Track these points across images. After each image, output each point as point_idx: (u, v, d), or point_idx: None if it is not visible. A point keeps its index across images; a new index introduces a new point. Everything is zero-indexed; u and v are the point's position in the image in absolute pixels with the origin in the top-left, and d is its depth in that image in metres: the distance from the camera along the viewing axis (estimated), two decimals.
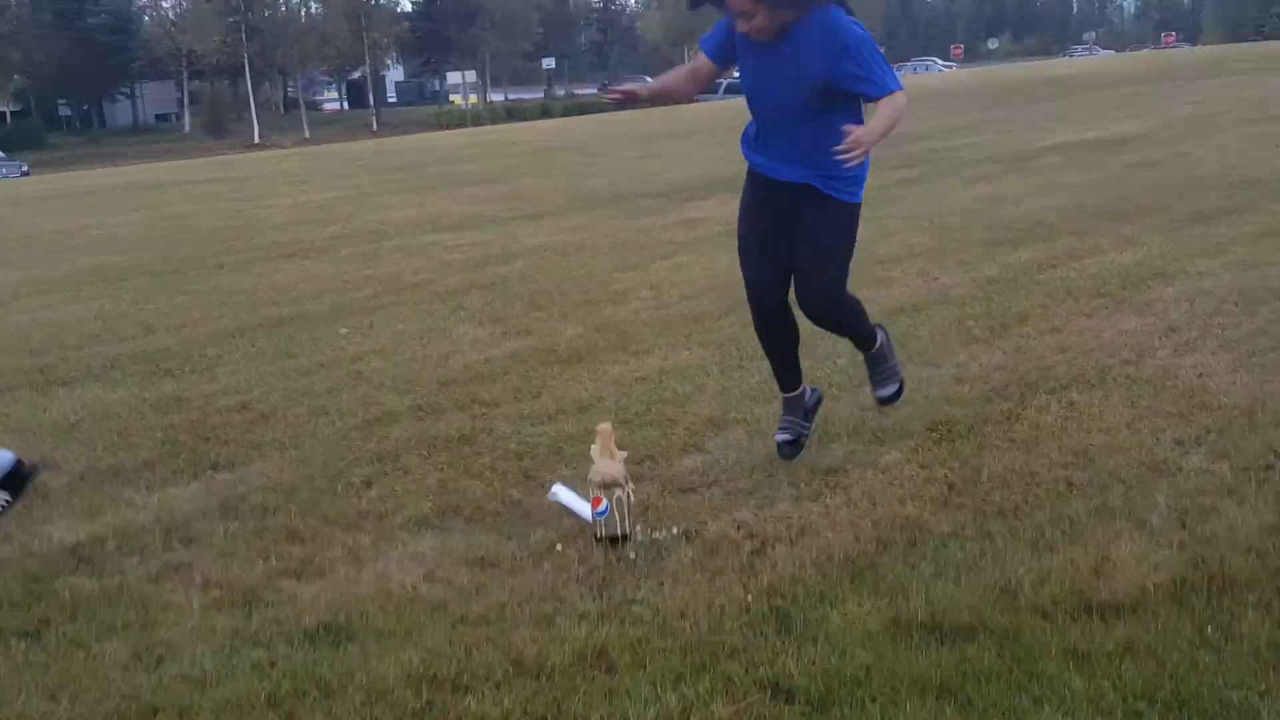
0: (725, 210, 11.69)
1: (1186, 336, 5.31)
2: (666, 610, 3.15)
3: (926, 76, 50.46)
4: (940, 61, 73.14)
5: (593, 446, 3.78)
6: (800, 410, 4.35)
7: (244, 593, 3.45)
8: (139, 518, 4.12)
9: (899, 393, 4.39)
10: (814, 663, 2.80)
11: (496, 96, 70.92)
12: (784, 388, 4.37)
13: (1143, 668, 2.67)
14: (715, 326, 6.47)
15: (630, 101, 4.12)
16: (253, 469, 4.59)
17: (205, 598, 3.43)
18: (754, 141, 4.16)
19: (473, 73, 61.32)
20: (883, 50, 3.83)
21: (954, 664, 2.75)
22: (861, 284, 7.18)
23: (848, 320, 4.22)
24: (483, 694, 2.78)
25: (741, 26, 3.78)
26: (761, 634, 2.99)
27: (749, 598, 3.18)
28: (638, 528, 3.68)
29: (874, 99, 3.71)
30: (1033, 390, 4.79)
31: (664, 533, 3.68)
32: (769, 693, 2.70)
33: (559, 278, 8.36)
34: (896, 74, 3.79)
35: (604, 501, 3.61)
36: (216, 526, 3.99)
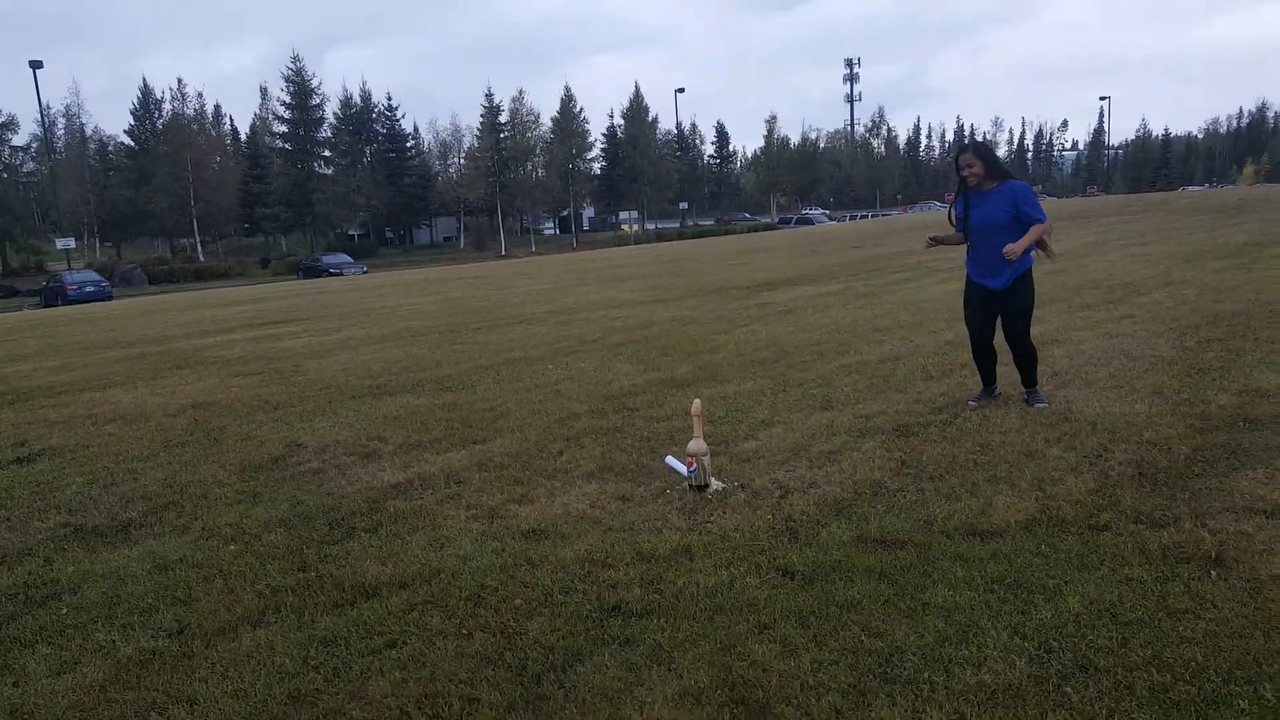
0: (784, 297, 11.87)
1: (1064, 379, 5.32)
2: (727, 527, 3.45)
3: (926, 213, 49.17)
4: (937, 203, 71.10)
5: (694, 401, 4.03)
6: (988, 394, 4.99)
7: (488, 511, 3.84)
8: (431, 469, 4.55)
9: (1045, 403, 4.82)
10: (808, 557, 3.07)
11: (650, 225, 71.97)
12: (986, 384, 5.03)
13: (1000, 564, 2.87)
14: (771, 367, 6.66)
15: (935, 244, 4.88)
16: (495, 444, 4.97)
17: (467, 513, 3.83)
18: (971, 262, 4.83)
19: (635, 211, 62.40)
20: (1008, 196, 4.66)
21: (891, 560, 2.99)
22: (863, 343, 7.37)
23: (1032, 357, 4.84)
24: (618, 568, 3.12)
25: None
26: (779, 541, 3.26)
27: (774, 522, 3.46)
28: (713, 481, 3.97)
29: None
30: (961, 408, 4.90)
31: (729, 484, 3.97)
32: (780, 572, 2.98)
33: (679, 337, 8.65)
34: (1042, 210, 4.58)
35: (694, 464, 3.91)
36: (474, 475, 4.38)
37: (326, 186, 53.04)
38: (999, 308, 4.81)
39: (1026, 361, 4.97)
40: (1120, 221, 21.93)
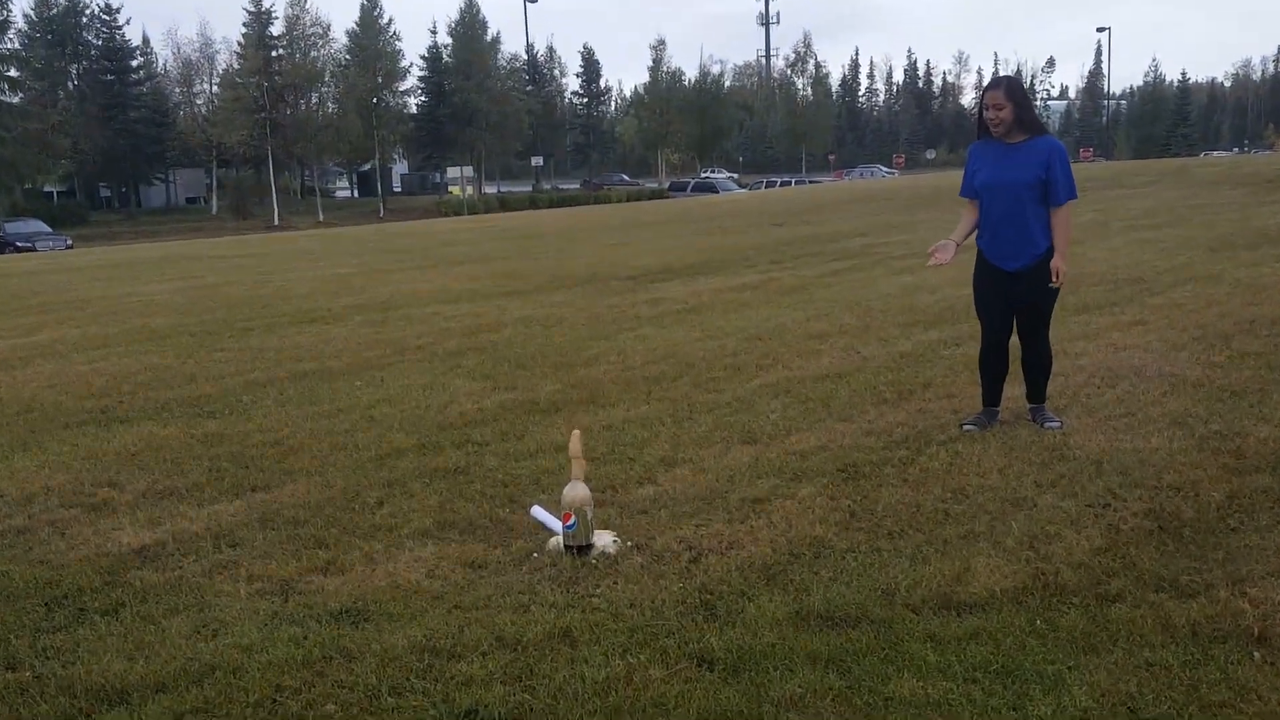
0: (684, 291, 12.19)
1: (1058, 404, 5.76)
2: (619, 601, 3.54)
3: (871, 181, 51.70)
4: (884, 168, 74.86)
5: (572, 435, 4.12)
6: (990, 416, 5.44)
7: (280, 584, 3.80)
8: (193, 527, 4.45)
9: (1057, 423, 5.33)
10: (732, 641, 3.20)
11: (490, 188, 71.80)
12: (988, 402, 5.47)
13: (983, 648, 3.09)
14: (671, 386, 6.88)
15: (946, 259, 5.28)
16: (284, 491, 4.92)
17: (250, 588, 3.78)
18: (985, 237, 5.27)
19: (470, 167, 62.12)
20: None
21: (840, 644, 3.15)
22: (794, 355, 7.71)
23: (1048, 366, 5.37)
24: (471, 660, 3.15)
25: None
26: (692, 620, 3.38)
27: (684, 593, 3.57)
28: (599, 539, 4.06)
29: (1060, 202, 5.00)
30: (927, 442, 5.21)
31: (621, 544, 4.06)
32: (695, 661, 3.10)
33: (541, 344, 8.75)
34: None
35: (573, 517, 3.99)
36: (257, 534, 4.32)
37: (12, 122, 49.58)
38: (1017, 297, 5.14)
39: (1041, 368, 5.32)
40: (1125, 196, 23.87)
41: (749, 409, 6.17)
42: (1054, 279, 5.05)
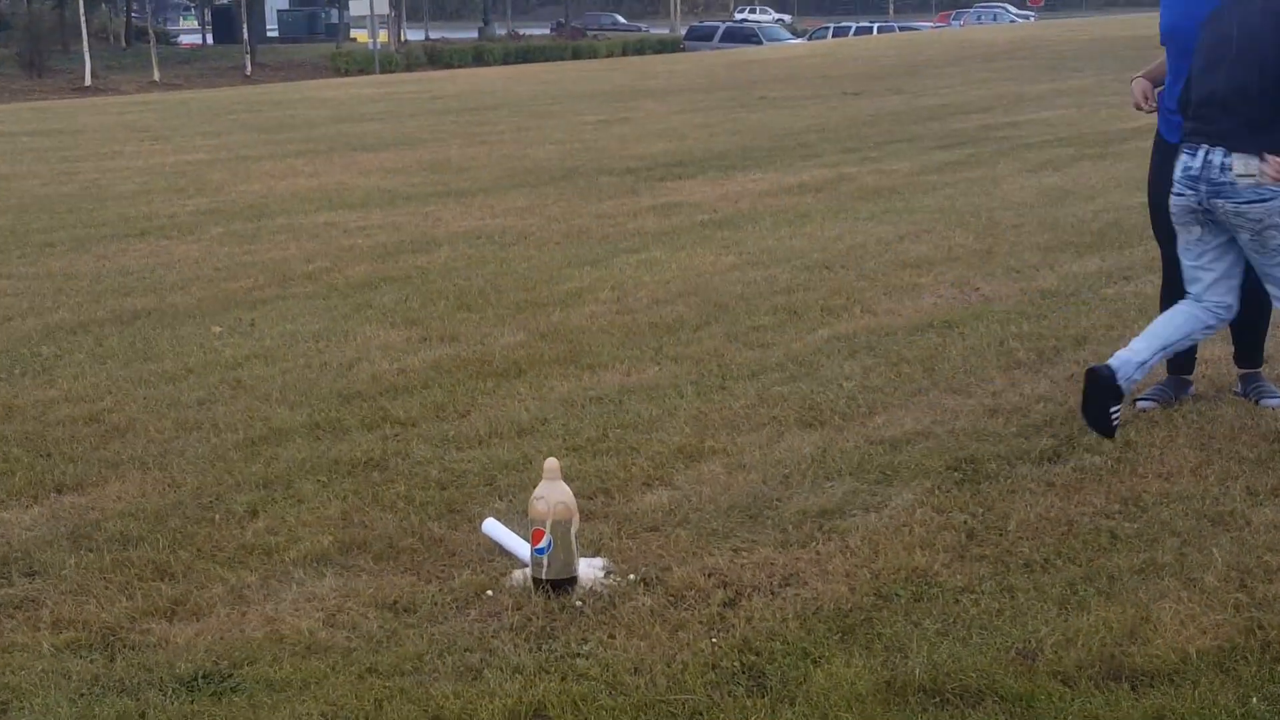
0: (711, 194, 12.17)
1: (1269, 365, 5.75)
2: (617, 665, 3.52)
3: (994, 28, 51.46)
4: (1014, 9, 74.37)
5: (548, 462, 4.12)
6: (1178, 388, 5.56)
7: (103, 633, 3.78)
8: None
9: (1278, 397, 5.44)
10: None
11: (415, 34, 71.41)
12: (1176, 369, 5.58)
13: None
14: (692, 338, 6.88)
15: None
16: (108, 492, 4.91)
17: (57, 638, 3.75)
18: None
19: (383, 0, 61.67)
20: None
21: None
22: (879, 292, 7.71)
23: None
24: None
25: None
26: (730, 694, 3.36)
27: (717, 654, 3.56)
28: (586, 569, 4.04)
29: None
30: (1082, 427, 5.18)
31: (619, 576, 4.06)
32: None
33: (494, 272, 8.74)
34: None
35: (546, 536, 3.97)
36: (67, 558, 4.30)
37: None
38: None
39: (1261, 322, 5.41)
40: None
41: (812, 374, 6.16)
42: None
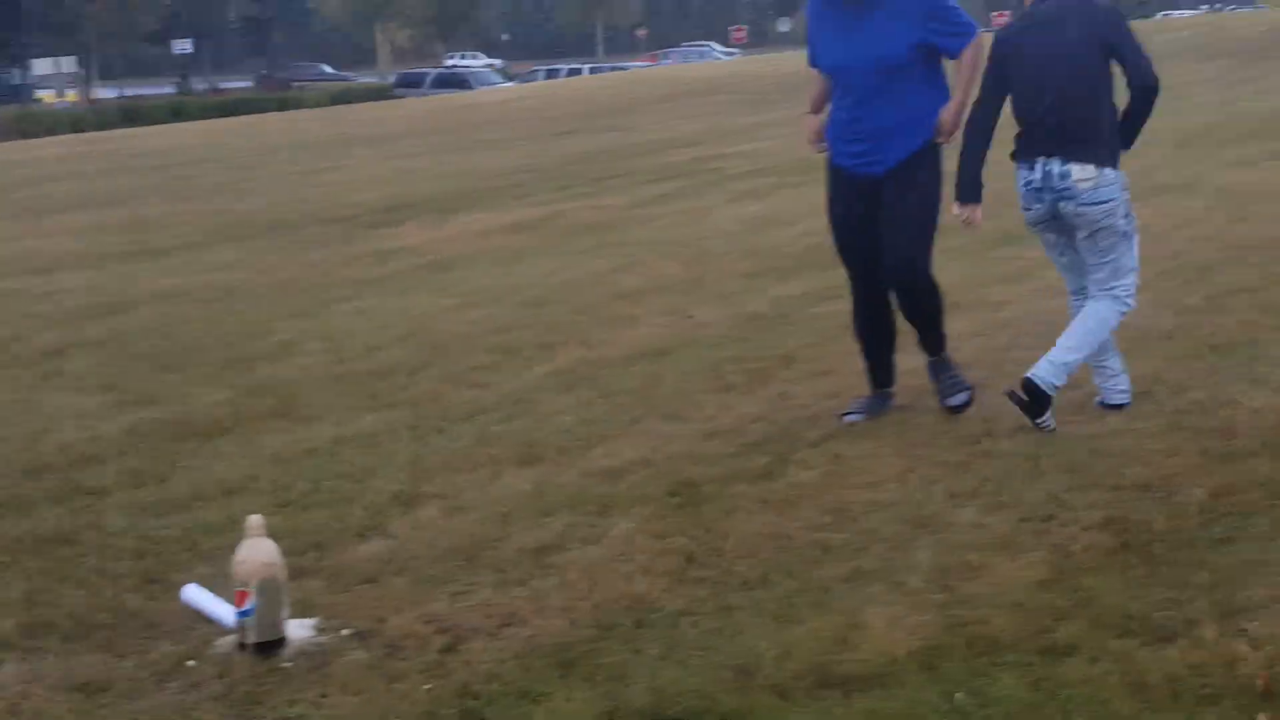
0: (426, 237, 12.11)
1: (975, 375, 5.96)
2: None
3: (699, 66, 52.60)
4: (719, 48, 76.34)
5: (249, 519, 4.00)
6: (880, 402, 5.70)
7: None
8: None
9: (969, 402, 5.59)
10: None
11: (107, 92, 69.22)
12: (877, 382, 5.74)
13: None
14: (409, 382, 6.81)
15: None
16: None
17: None
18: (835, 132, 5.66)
19: (72, 59, 59.63)
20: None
21: None
22: (593, 325, 7.76)
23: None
24: None
25: None
26: None
27: (436, 702, 3.50)
28: (295, 628, 3.94)
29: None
30: (794, 444, 5.32)
31: (331, 632, 3.96)
32: None
33: (198, 330, 8.48)
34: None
35: (251, 597, 3.85)
36: None
37: None
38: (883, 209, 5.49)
39: (921, 308, 5.62)
40: None
41: (529, 411, 6.17)
42: (940, 135, 5.44)
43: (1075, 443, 5.08)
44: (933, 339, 5.69)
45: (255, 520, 3.97)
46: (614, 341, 7.41)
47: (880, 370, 5.70)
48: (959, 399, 5.59)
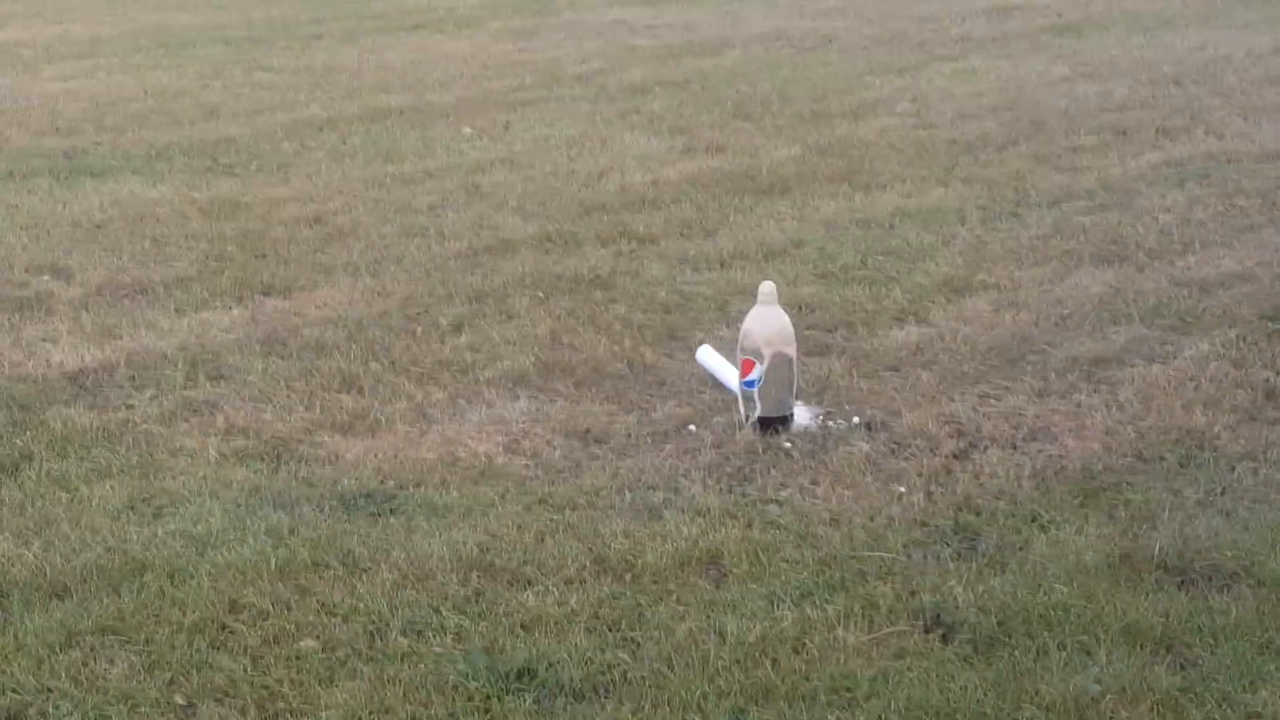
0: None
1: None
2: (813, 515, 3.47)
3: None
4: None
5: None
6: None
7: (274, 443, 3.93)
8: (161, 344, 4.66)
9: None
10: (993, 595, 3.06)
11: None
12: None
13: None
14: (994, 158, 6.66)
15: None
16: (314, 296, 5.09)
17: (226, 445, 3.93)
18: None
19: None
20: None
21: (1189, 614, 2.97)
22: (1238, 110, 7.31)
23: None
24: (546, 589, 3.16)
25: None
26: (935, 555, 3.27)
27: (929, 511, 3.46)
28: (806, 410, 3.99)
29: None
30: None
31: (841, 420, 3.98)
32: (922, 624, 2.99)
33: (785, 78, 8.59)
34: None
35: (756, 367, 3.91)
36: (255, 363, 4.48)
37: None
38: None
39: None
40: None
41: (1125, 203, 5.96)
42: None
43: None
44: None
45: (767, 287, 4.01)
46: (1253, 134, 6.98)
47: None
48: None
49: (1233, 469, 3.63)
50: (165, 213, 6.18)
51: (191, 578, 3.26)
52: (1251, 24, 9.84)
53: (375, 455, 3.86)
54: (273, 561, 3.30)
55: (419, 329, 4.75)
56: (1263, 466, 3.63)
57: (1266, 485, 3.54)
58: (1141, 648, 2.88)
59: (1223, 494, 3.50)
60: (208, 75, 9.31)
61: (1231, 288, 4.87)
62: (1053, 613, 3.00)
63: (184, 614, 3.10)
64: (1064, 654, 2.86)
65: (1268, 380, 4.14)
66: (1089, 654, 2.86)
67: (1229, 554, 3.19)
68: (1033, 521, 3.41)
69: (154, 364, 4.51)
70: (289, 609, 3.13)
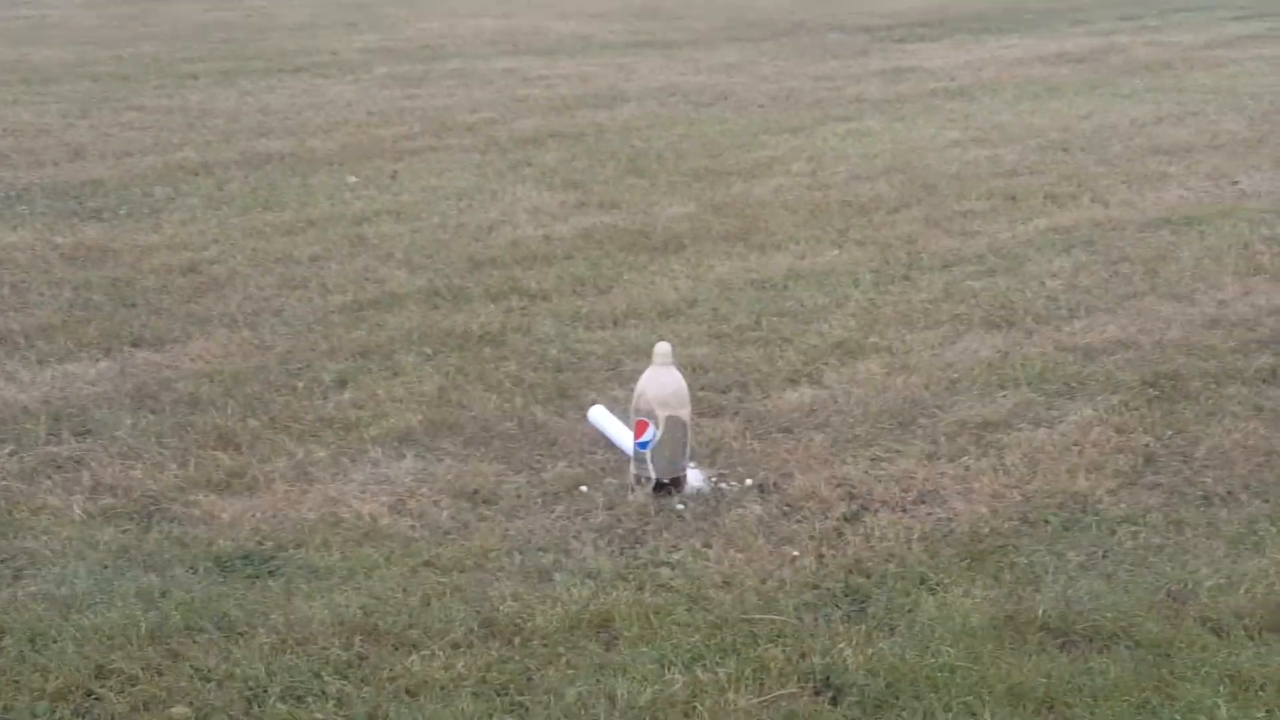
0: (955, 59, 11.88)
1: None
2: (705, 578, 3.49)
3: None
4: None
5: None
6: None
7: (144, 502, 3.89)
8: (21, 397, 4.61)
9: None
10: (882, 657, 3.12)
11: None
12: None
13: None
14: (886, 221, 6.77)
15: None
16: (188, 349, 5.03)
17: (93, 504, 3.87)
18: None
19: None
20: None
21: (1070, 675, 3.05)
22: (1120, 179, 7.45)
23: None
24: (432, 653, 3.16)
25: None
26: (826, 618, 3.31)
27: (820, 573, 3.51)
28: (698, 472, 4.03)
29: None
30: None
31: (733, 482, 4.02)
32: (812, 686, 3.03)
33: (680, 134, 8.67)
34: None
35: (650, 429, 3.93)
36: (124, 418, 4.44)
37: None
38: None
39: None
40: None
41: (1014, 269, 6.08)
42: None
43: None
44: None
45: (663, 348, 4.03)
46: (1136, 202, 7.12)
47: None
48: None
49: (1114, 532, 3.71)
50: (25, 258, 6.12)
51: (55, 641, 3.21)
52: (1135, 92, 10.10)
53: (253, 515, 3.83)
54: (143, 625, 3.26)
55: (300, 384, 4.72)
56: (1142, 530, 3.72)
57: (1145, 548, 3.63)
58: (1024, 708, 2.95)
59: (1104, 557, 3.58)
60: (73, 114, 9.21)
61: (1114, 354, 4.98)
62: (940, 674, 3.06)
63: (46, 680, 3.06)
64: (950, 715, 2.93)
65: (1148, 445, 4.23)
66: (974, 715, 2.92)
67: (1109, 615, 3.28)
68: (921, 584, 3.46)
69: (14, 417, 4.46)
70: (160, 674, 3.10)
